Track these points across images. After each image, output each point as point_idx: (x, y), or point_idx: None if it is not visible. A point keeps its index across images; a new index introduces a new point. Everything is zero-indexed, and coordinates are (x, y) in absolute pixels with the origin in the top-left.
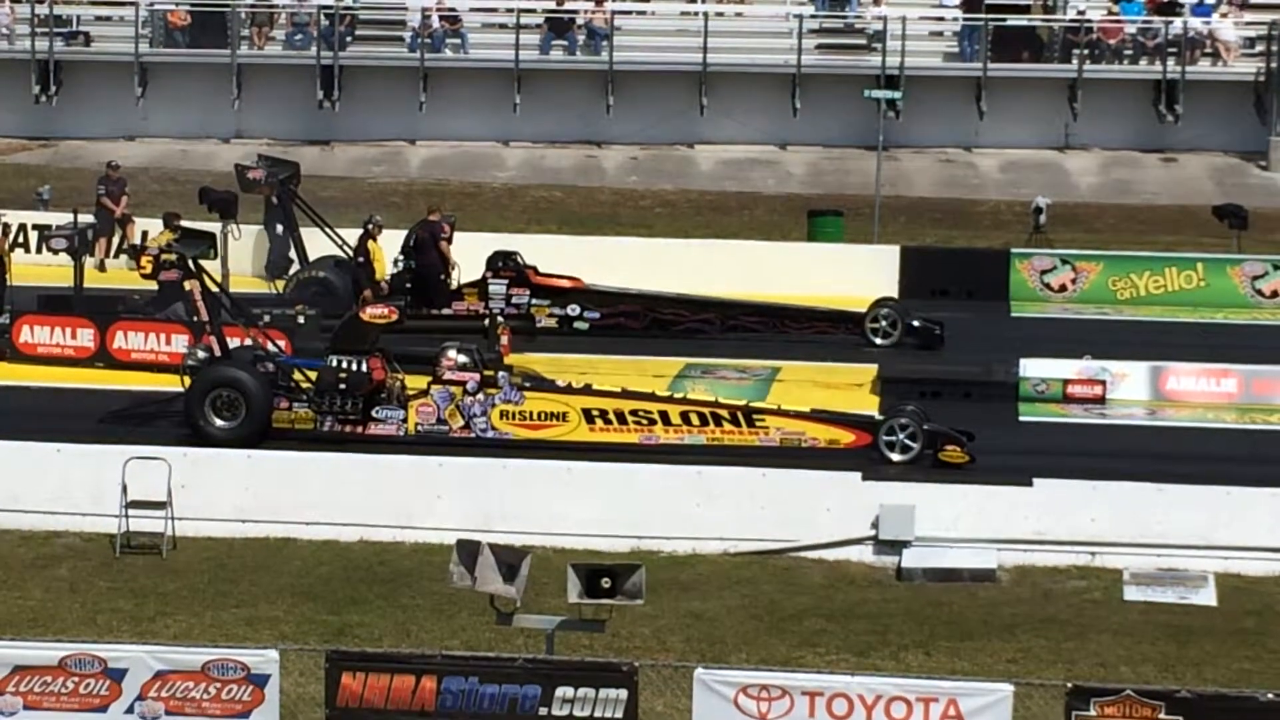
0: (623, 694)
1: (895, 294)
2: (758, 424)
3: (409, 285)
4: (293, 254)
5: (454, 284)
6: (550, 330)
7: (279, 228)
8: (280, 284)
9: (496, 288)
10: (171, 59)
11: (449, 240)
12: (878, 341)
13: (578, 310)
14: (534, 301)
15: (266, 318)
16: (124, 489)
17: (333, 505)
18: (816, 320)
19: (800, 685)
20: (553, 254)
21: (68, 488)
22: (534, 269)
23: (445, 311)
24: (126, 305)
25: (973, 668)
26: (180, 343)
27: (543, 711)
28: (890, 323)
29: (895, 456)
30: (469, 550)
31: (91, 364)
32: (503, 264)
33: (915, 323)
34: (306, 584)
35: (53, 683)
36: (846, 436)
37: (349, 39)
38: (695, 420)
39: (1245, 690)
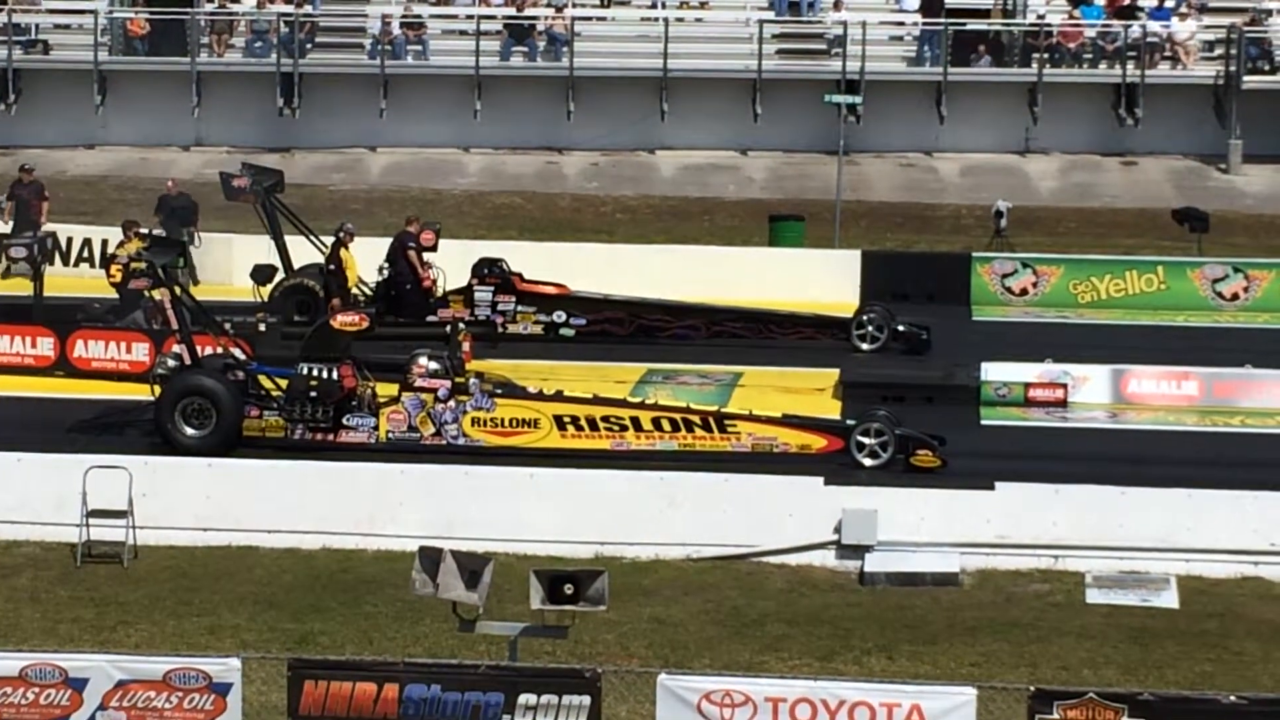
0: (586, 700)
1: (856, 298)
2: (729, 429)
3: (393, 294)
4: (278, 261)
5: (439, 292)
6: (536, 337)
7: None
8: (265, 290)
9: (482, 295)
10: (131, 67)
11: (432, 248)
12: (864, 346)
13: (563, 317)
14: (520, 308)
15: (228, 325)
16: (84, 498)
17: (295, 513)
18: (802, 325)
19: (763, 691)
20: (515, 260)
21: (28, 497)
22: (519, 276)
23: (430, 319)
24: (86, 314)
25: (936, 671)
26: (140, 351)
27: (506, 718)
28: (876, 327)
29: (867, 462)
30: (431, 557)
31: (51, 373)
32: (488, 271)
33: (901, 327)
34: (269, 592)
35: (13, 693)
36: (818, 442)
37: (309, 46)
38: (667, 426)
39: (1207, 692)
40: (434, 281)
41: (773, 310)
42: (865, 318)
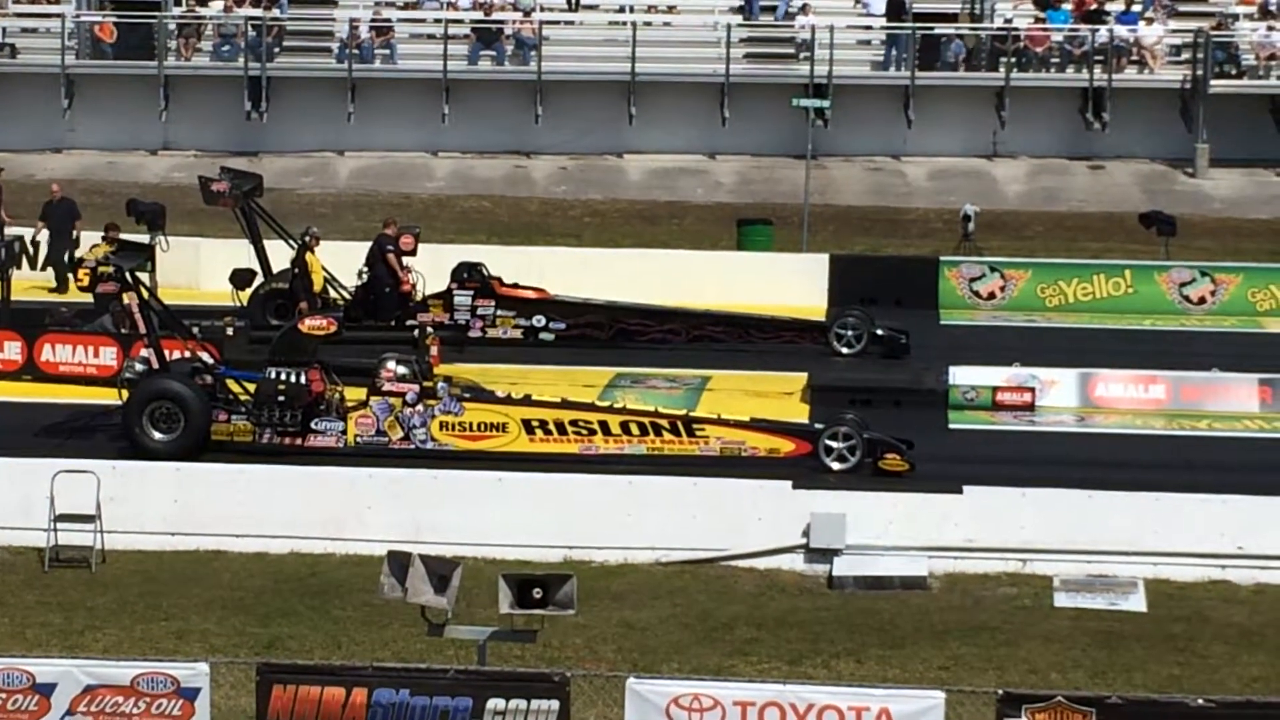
0: (555, 704)
1: (825, 302)
2: (698, 433)
3: (372, 298)
4: (257, 265)
5: (418, 296)
6: (516, 342)
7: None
8: (244, 295)
9: (461, 299)
10: (98, 71)
11: (412, 252)
12: (843, 351)
13: (543, 321)
14: (499, 312)
15: (196, 329)
16: (52, 502)
17: (263, 517)
18: (782, 330)
19: (732, 695)
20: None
21: None
22: (499, 280)
23: (410, 323)
24: (54, 318)
25: (904, 675)
26: (108, 355)
27: None
28: (856, 332)
29: (835, 465)
30: (400, 561)
31: (19, 377)
32: (468, 275)
33: (880, 331)
34: (237, 596)
35: None
36: (787, 445)
37: (277, 50)
38: (635, 430)
39: (1175, 696)
40: (413, 286)
41: (753, 314)
42: (844, 322)
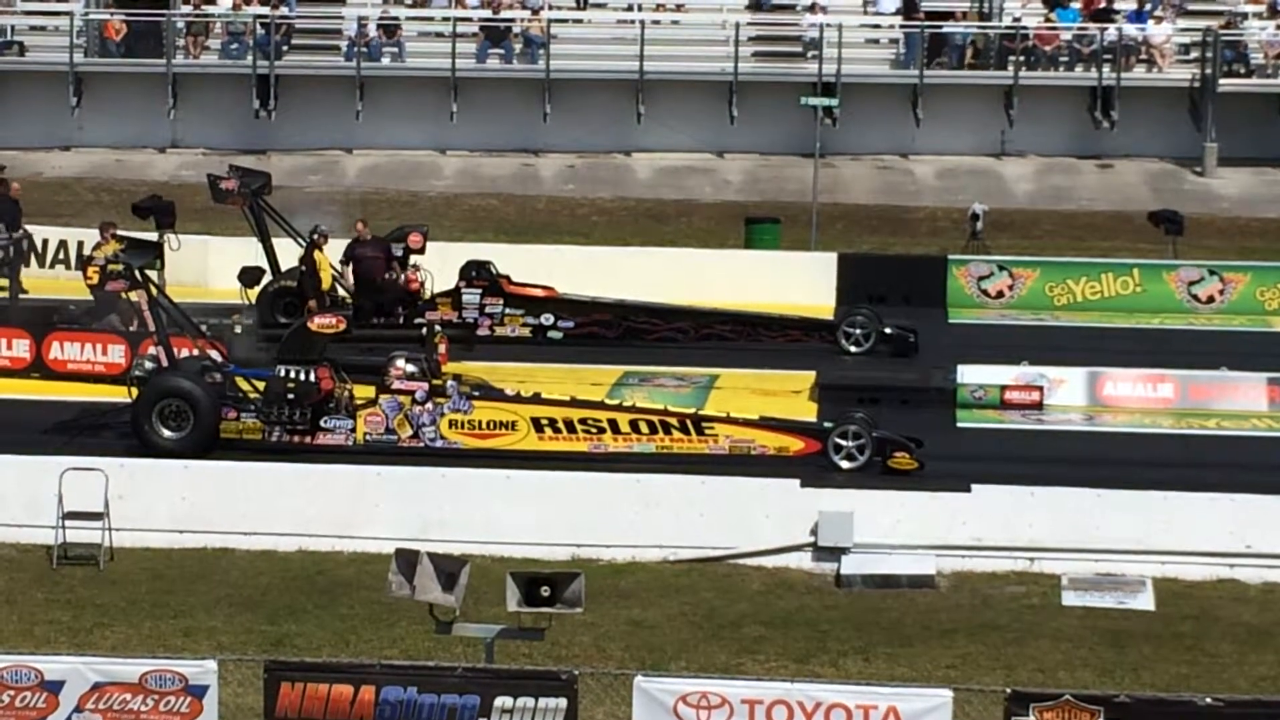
0: (562, 702)
1: (833, 301)
2: (707, 432)
3: (348, 304)
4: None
5: (427, 294)
6: (524, 340)
7: None
8: (253, 292)
9: (470, 297)
10: (107, 69)
11: (421, 250)
12: (851, 349)
13: (551, 319)
14: (508, 311)
15: (204, 327)
16: (60, 500)
17: (271, 515)
18: (790, 328)
19: (740, 692)
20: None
21: (3, 499)
22: (507, 278)
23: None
24: (62, 315)
25: (912, 674)
26: (117, 353)
27: None
28: (864, 330)
29: (844, 464)
30: (408, 559)
31: (27, 375)
32: (476, 273)
33: (888, 330)
34: (245, 594)
35: None
36: (796, 444)
37: (285, 48)
38: (644, 428)
39: (1183, 695)
40: (421, 284)
41: (762, 313)
42: (852, 320)
